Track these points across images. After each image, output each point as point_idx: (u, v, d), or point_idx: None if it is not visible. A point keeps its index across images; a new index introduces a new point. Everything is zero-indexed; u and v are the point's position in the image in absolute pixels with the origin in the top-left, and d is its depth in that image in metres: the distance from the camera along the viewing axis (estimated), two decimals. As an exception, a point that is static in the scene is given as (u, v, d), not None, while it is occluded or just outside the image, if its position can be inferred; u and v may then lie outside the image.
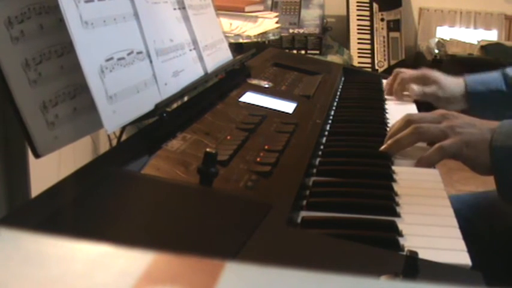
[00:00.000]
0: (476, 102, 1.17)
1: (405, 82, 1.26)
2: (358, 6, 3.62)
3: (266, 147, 0.78)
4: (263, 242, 0.52)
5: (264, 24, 2.29)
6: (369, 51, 3.58)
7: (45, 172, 0.91)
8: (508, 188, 0.82)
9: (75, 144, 0.72)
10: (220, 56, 1.14)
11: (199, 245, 0.51)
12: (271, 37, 2.27)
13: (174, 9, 0.99)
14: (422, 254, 0.50)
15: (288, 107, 1.02)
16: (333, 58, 3.01)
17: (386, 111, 1.16)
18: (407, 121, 0.89)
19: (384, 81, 1.40)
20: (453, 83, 1.21)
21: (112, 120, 0.70)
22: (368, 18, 3.62)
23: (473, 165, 0.85)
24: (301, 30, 3.19)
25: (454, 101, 1.19)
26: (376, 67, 3.55)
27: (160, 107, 0.79)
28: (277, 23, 2.35)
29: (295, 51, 3.06)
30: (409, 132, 0.87)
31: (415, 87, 1.22)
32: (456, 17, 3.69)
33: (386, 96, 1.29)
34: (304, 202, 0.69)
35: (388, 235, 0.61)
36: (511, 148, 0.81)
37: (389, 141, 0.88)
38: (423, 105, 1.23)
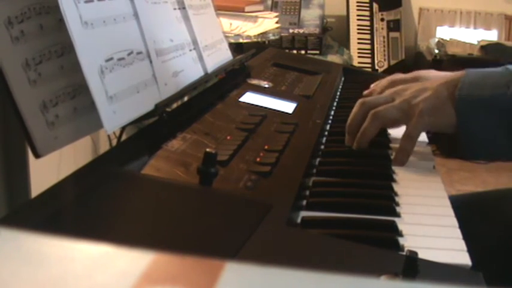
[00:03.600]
0: None
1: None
2: (358, 6, 3.62)
3: (266, 147, 0.78)
4: (263, 242, 0.52)
5: (264, 24, 2.29)
6: (369, 51, 3.58)
7: (45, 172, 0.91)
8: (473, 138, 0.81)
9: (75, 144, 0.72)
10: (220, 56, 1.14)
11: (199, 245, 0.51)
12: (271, 37, 2.27)
13: (174, 9, 0.99)
14: (422, 254, 0.50)
15: (288, 107, 1.02)
16: (333, 58, 3.01)
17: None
18: (362, 105, 0.88)
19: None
20: None
21: (112, 121, 0.70)
22: (368, 18, 3.62)
23: (440, 127, 0.84)
24: (301, 30, 3.19)
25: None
26: (376, 67, 3.55)
27: (160, 107, 0.79)
28: (277, 23, 2.35)
29: (295, 51, 3.06)
30: (370, 122, 0.86)
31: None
32: (456, 17, 3.69)
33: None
34: (304, 202, 0.69)
35: (388, 235, 0.61)
36: (476, 96, 0.80)
37: (357, 137, 0.87)
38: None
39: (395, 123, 0.89)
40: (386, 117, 0.86)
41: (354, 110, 0.90)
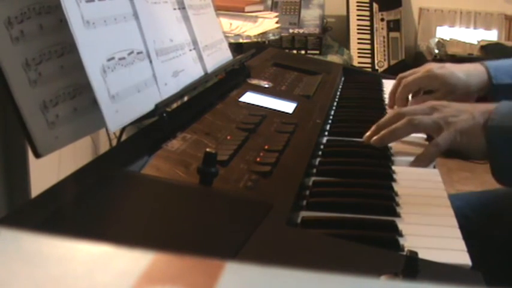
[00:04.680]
0: (501, 96, 0.98)
1: (409, 87, 1.10)
2: (358, 6, 3.62)
3: (266, 147, 0.78)
4: (263, 242, 0.52)
5: (264, 24, 2.29)
6: (369, 51, 3.58)
7: (45, 172, 0.91)
8: (503, 168, 0.82)
9: (75, 144, 0.72)
10: (220, 56, 1.14)
11: (199, 245, 0.51)
12: (271, 37, 2.27)
13: (174, 9, 0.99)
14: (422, 254, 0.50)
15: (288, 107, 1.02)
16: (333, 58, 3.01)
17: (386, 111, 1.16)
18: (398, 114, 0.89)
19: (384, 82, 1.39)
20: (470, 74, 1.05)
21: (115, 120, 0.70)
22: (368, 18, 3.62)
23: (468, 151, 0.85)
24: (301, 30, 3.19)
25: (469, 95, 1.04)
26: (376, 67, 3.55)
27: (160, 107, 0.79)
28: (277, 23, 2.35)
29: (295, 51, 3.06)
30: (404, 124, 0.87)
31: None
32: (456, 17, 3.69)
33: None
34: (304, 202, 0.69)
35: (388, 235, 0.61)
36: (507, 127, 0.81)
37: (383, 132, 0.88)
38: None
39: (426, 133, 0.90)
40: (420, 126, 0.87)
41: (388, 115, 0.91)
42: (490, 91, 1.05)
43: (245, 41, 2.13)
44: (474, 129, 0.83)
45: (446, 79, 1.05)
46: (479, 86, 1.06)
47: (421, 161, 0.86)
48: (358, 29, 3.60)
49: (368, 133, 0.90)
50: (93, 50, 0.69)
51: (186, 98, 1.00)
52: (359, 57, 3.55)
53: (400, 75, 1.15)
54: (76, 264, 0.22)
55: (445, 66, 1.08)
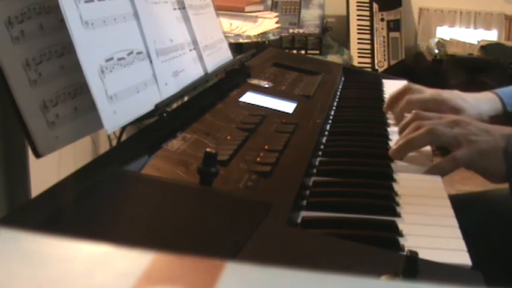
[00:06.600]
0: None
1: (413, 106, 1.02)
2: (358, 6, 3.62)
3: (266, 147, 0.78)
4: (263, 242, 0.52)
5: (264, 24, 2.29)
6: (369, 51, 3.58)
7: (45, 172, 0.91)
8: None
9: (75, 144, 0.72)
10: (220, 56, 1.14)
11: (199, 245, 0.51)
12: (271, 37, 2.27)
13: (174, 9, 0.99)
14: (422, 254, 0.50)
15: (288, 107, 1.02)
16: (333, 58, 3.01)
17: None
18: (418, 125, 0.86)
19: (384, 82, 1.39)
20: (480, 101, 1.02)
21: (112, 120, 0.70)
22: (368, 18, 3.62)
23: (487, 174, 0.83)
24: (301, 30, 3.19)
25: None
26: (376, 67, 3.55)
27: (160, 107, 0.79)
28: (277, 23, 2.35)
29: (295, 51, 3.06)
30: (423, 133, 0.83)
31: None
32: (456, 17, 3.69)
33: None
34: (304, 202, 0.69)
35: (388, 235, 0.61)
36: None
37: (400, 142, 0.85)
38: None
39: (444, 145, 0.87)
40: (440, 138, 0.84)
41: (409, 118, 0.89)
42: (504, 119, 1.02)
43: (245, 41, 2.13)
44: (495, 152, 0.81)
45: (455, 102, 1.01)
46: (491, 113, 1.03)
47: (435, 173, 0.83)
48: (358, 29, 3.60)
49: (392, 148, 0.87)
50: (91, 50, 0.69)
51: (186, 98, 1.00)
52: (359, 57, 3.55)
53: (408, 84, 1.11)
54: (76, 264, 0.22)
55: (453, 92, 1.05)
